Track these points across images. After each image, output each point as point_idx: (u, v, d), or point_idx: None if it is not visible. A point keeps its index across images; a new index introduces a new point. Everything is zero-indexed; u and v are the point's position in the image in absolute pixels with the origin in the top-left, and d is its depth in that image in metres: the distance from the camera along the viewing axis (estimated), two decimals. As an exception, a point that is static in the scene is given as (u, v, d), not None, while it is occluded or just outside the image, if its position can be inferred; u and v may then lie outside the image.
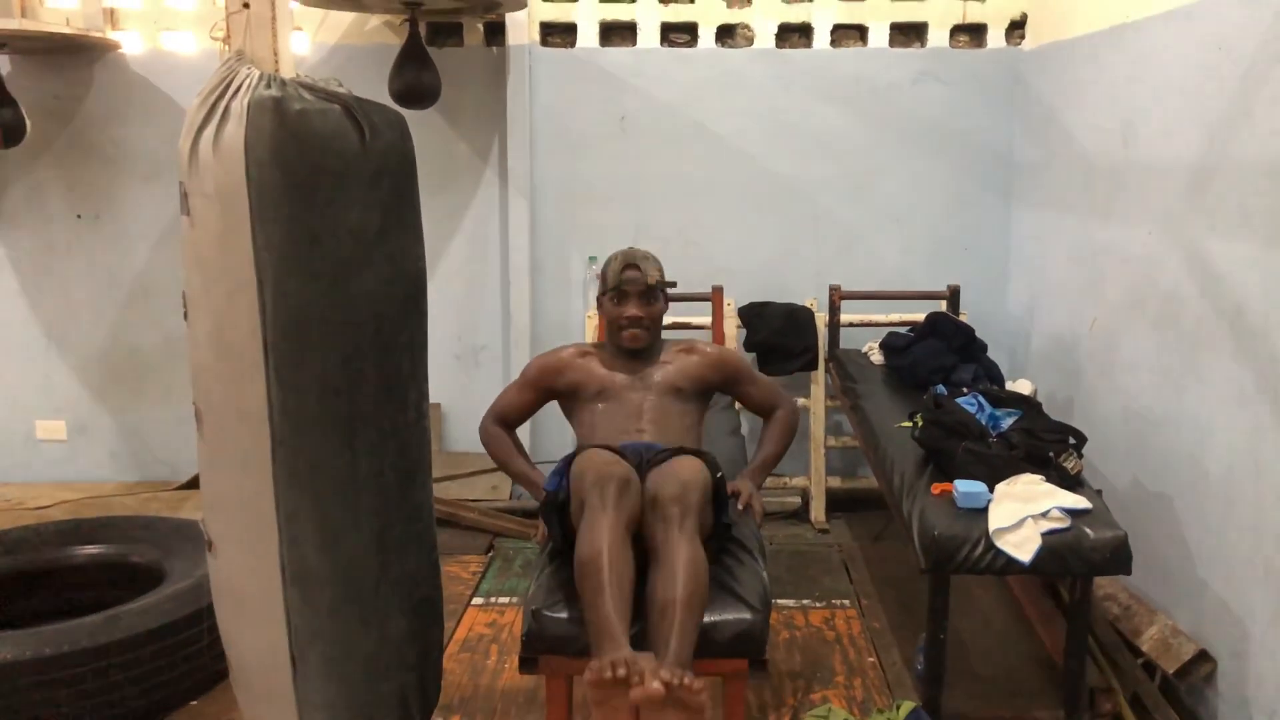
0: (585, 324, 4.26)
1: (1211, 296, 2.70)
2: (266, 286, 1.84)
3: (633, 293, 2.66)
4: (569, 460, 2.33)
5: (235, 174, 1.81)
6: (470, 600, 3.44)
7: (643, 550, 2.16)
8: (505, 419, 2.74)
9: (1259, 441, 2.46)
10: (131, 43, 4.23)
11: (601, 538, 2.06)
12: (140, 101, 4.28)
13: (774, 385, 2.85)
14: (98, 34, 4.09)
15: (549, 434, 4.16)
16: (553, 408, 2.83)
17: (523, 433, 2.88)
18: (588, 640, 2.01)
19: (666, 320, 2.91)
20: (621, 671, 1.82)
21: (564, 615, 2.13)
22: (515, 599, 3.44)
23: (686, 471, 2.24)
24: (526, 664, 2.16)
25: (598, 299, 2.78)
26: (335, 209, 1.89)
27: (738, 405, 3.61)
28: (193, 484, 4.24)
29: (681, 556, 2.07)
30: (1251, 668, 2.48)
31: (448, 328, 4.36)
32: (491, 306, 4.43)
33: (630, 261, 2.68)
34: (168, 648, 2.65)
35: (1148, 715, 2.68)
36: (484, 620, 3.30)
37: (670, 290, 2.81)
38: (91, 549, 3.17)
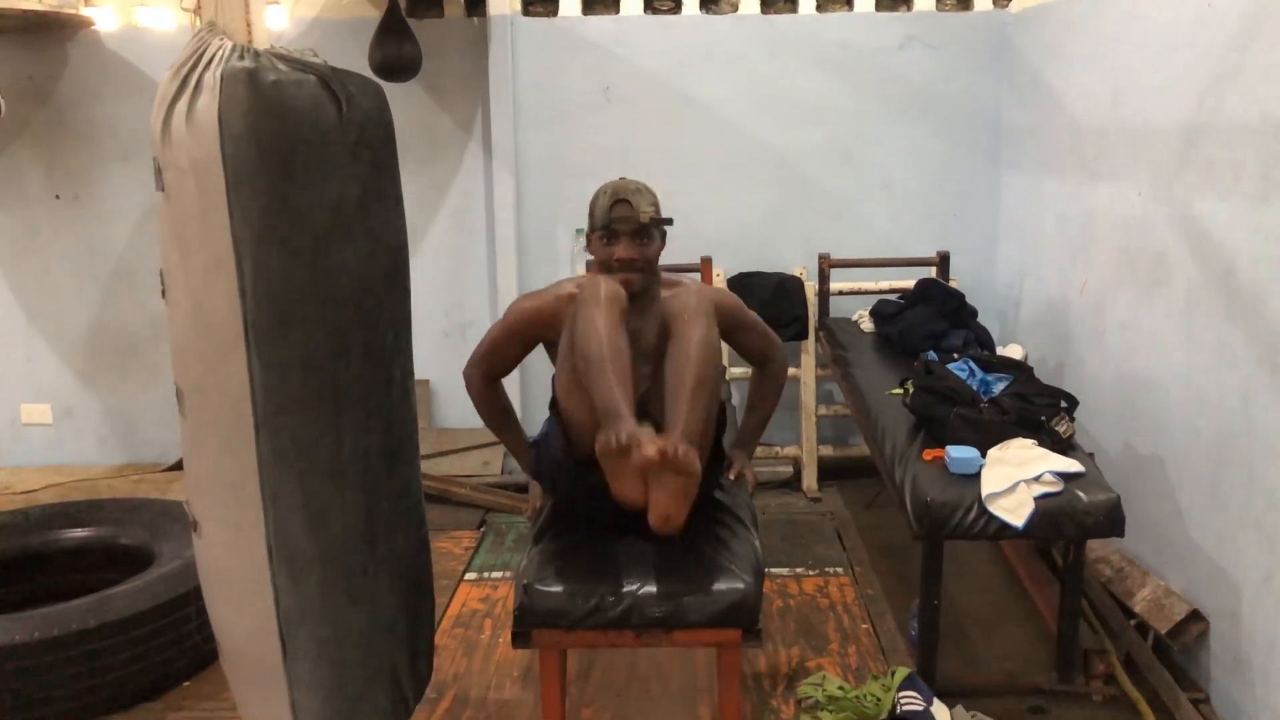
0: (573, 297, 4.23)
1: (1201, 257, 2.68)
2: (245, 262, 1.81)
3: (623, 232, 2.34)
4: (551, 422, 2.32)
5: (209, 148, 1.77)
6: (463, 576, 3.43)
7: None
8: (492, 371, 2.50)
9: (1250, 401, 2.46)
10: (105, 19, 4.16)
11: (599, 327, 2.11)
12: (116, 79, 4.22)
13: (767, 332, 2.63)
14: (71, 11, 4.01)
15: (538, 404, 4.13)
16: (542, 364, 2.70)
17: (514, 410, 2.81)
18: (600, 415, 2.05)
19: None
20: (625, 439, 1.93)
21: (557, 589, 2.12)
22: (508, 574, 3.43)
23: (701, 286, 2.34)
24: (520, 638, 2.15)
25: (586, 236, 2.50)
26: (313, 182, 1.85)
27: (727, 376, 3.61)
28: (180, 466, 4.19)
29: (695, 335, 2.15)
30: (1244, 627, 2.48)
31: (434, 303, 4.33)
32: (478, 281, 4.40)
33: (620, 196, 2.36)
34: (158, 629, 2.64)
35: (1141, 676, 2.69)
36: (477, 595, 3.30)
37: (661, 240, 2.48)
38: (80, 532, 3.16)
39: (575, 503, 2.33)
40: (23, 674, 2.47)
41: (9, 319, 4.42)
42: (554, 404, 2.33)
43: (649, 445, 1.92)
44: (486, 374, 2.49)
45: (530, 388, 4.14)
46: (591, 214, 2.41)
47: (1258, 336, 2.43)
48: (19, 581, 3.08)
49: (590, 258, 2.51)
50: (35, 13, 3.86)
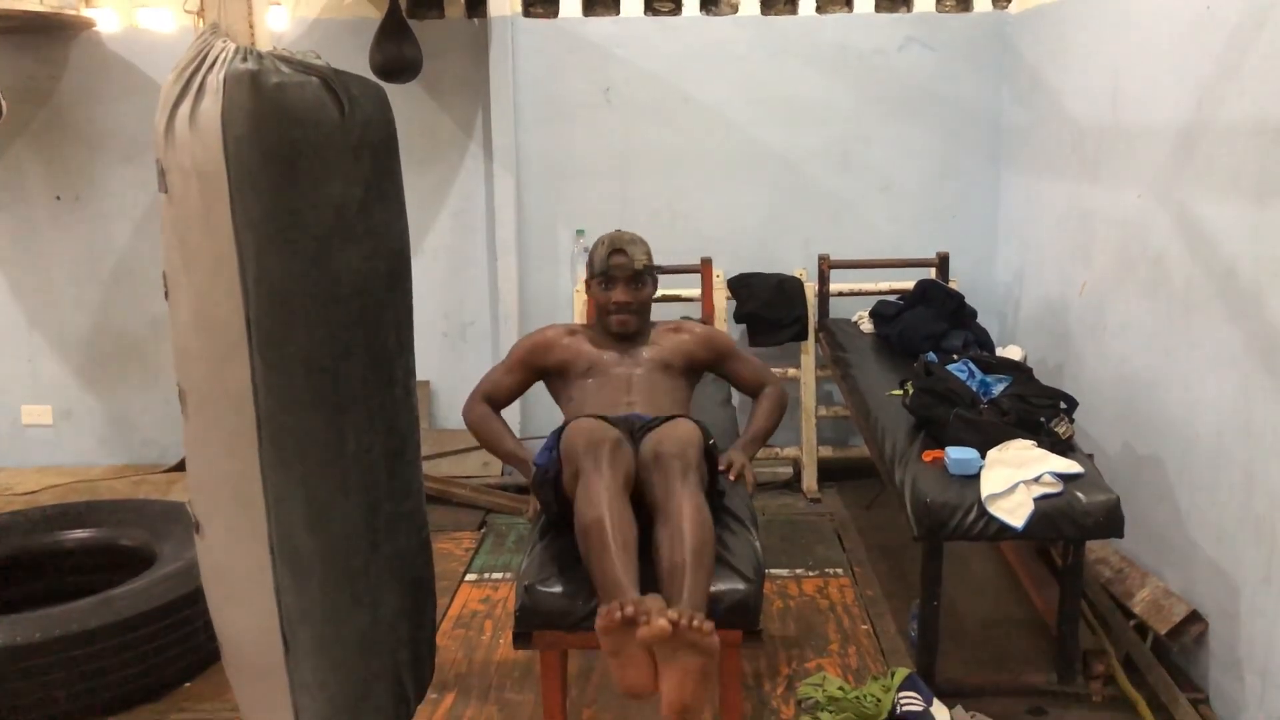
0: (574, 299, 4.24)
1: (1201, 258, 2.69)
2: (247, 263, 1.81)
3: (620, 278, 2.65)
4: (558, 433, 2.32)
5: (213, 149, 1.77)
6: (463, 577, 3.43)
7: (642, 512, 2.15)
8: (492, 400, 2.70)
9: (1249, 402, 2.46)
10: (107, 20, 4.16)
11: (601, 499, 2.05)
12: (117, 80, 4.22)
13: (762, 364, 2.87)
14: (72, 12, 4.02)
15: (539, 412, 4.14)
16: (541, 388, 2.80)
17: (513, 413, 2.86)
18: (596, 600, 2.00)
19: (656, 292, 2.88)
20: (630, 611, 1.77)
21: (557, 590, 2.13)
22: (508, 574, 3.44)
23: (683, 430, 2.26)
24: (520, 639, 2.15)
25: (586, 282, 2.79)
26: (315, 183, 1.85)
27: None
28: (181, 466, 4.21)
29: (687, 510, 2.06)
30: (1242, 627, 2.49)
31: (435, 304, 4.34)
32: (479, 282, 4.40)
33: (617, 246, 2.66)
34: (159, 630, 2.64)
35: (1140, 676, 2.69)
36: (478, 596, 3.30)
37: (658, 264, 2.79)
38: (81, 533, 3.16)
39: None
40: (24, 675, 2.47)
41: (9, 320, 4.43)
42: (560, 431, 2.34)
43: (658, 616, 1.75)
44: (486, 400, 2.69)
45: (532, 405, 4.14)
46: (591, 262, 2.71)
47: (1257, 337, 2.43)
48: (20, 583, 3.08)
49: (588, 287, 2.76)
50: (37, 14, 3.86)
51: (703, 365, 2.79)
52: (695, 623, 1.76)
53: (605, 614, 1.81)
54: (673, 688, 1.77)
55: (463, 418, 2.70)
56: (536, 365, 2.72)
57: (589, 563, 2.02)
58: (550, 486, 2.29)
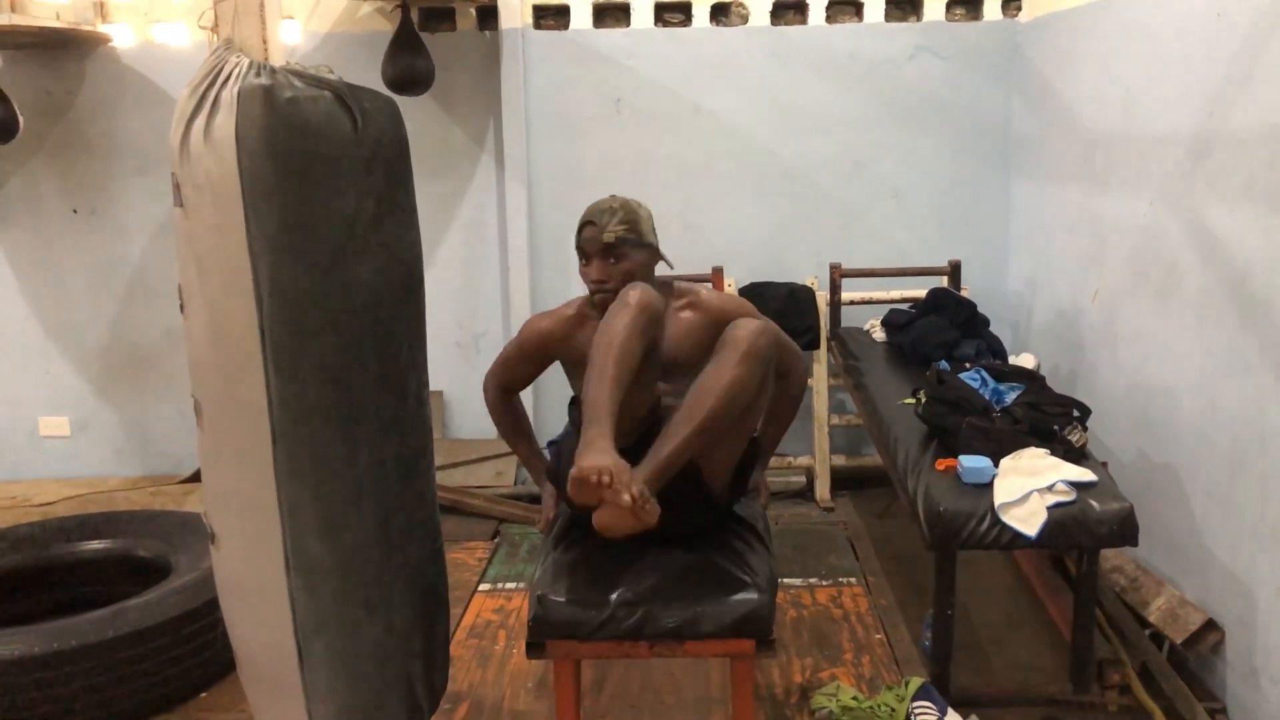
0: (585, 308, 4.25)
1: (1214, 265, 2.68)
2: (261, 276, 1.83)
3: (591, 252, 2.33)
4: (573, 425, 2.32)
5: (227, 164, 1.80)
6: (477, 586, 3.44)
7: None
8: (510, 389, 2.58)
9: (1264, 410, 2.45)
10: (122, 35, 4.20)
11: (614, 328, 2.09)
12: (133, 95, 4.26)
13: (792, 344, 2.51)
14: (88, 28, 4.06)
15: (551, 415, 4.15)
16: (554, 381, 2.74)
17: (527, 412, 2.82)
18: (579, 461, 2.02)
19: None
20: (605, 479, 1.92)
21: (571, 599, 2.13)
22: (522, 584, 3.44)
23: (755, 325, 2.20)
24: (534, 649, 2.15)
25: None
26: (329, 196, 1.87)
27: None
28: (196, 477, 4.22)
29: (731, 375, 2.07)
30: (1259, 636, 2.47)
31: (448, 315, 4.35)
32: (491, 292, 4.42)
33: (588, 218, 2.33)
34: (175, 641, 2.65)
35: (1156, 686, 2.67)
36: (491, 606, 3.30)
37: (670, 271, 2.53)
38: (97, 544, 3.17)
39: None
40: (40, 685, 2.48)
41: (27, 332, 4.46)
42: (574, 403, 2.34)
43: (623, 490, 1.93)
44: (501, 386, 2.57)
45: (543, 398, 4.16)
46: None
47: (1271, 344, 2.42)
48: (36, 593, 3.10)
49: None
50: (53, 29, 3.90)
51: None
52: (647, 506, 1.96)
53: (581, 473, 1.93)
54: (608, 522, 1.99)
55: (482, 394, 2.59)
56: (550, 354, 2.52)
57: (587, 381, 2.08)
58: (562, 487, 2.29)
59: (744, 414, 2.16)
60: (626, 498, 1.92)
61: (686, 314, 2.38)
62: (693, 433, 2.05)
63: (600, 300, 2.32)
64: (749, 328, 2.13)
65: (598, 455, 1.94)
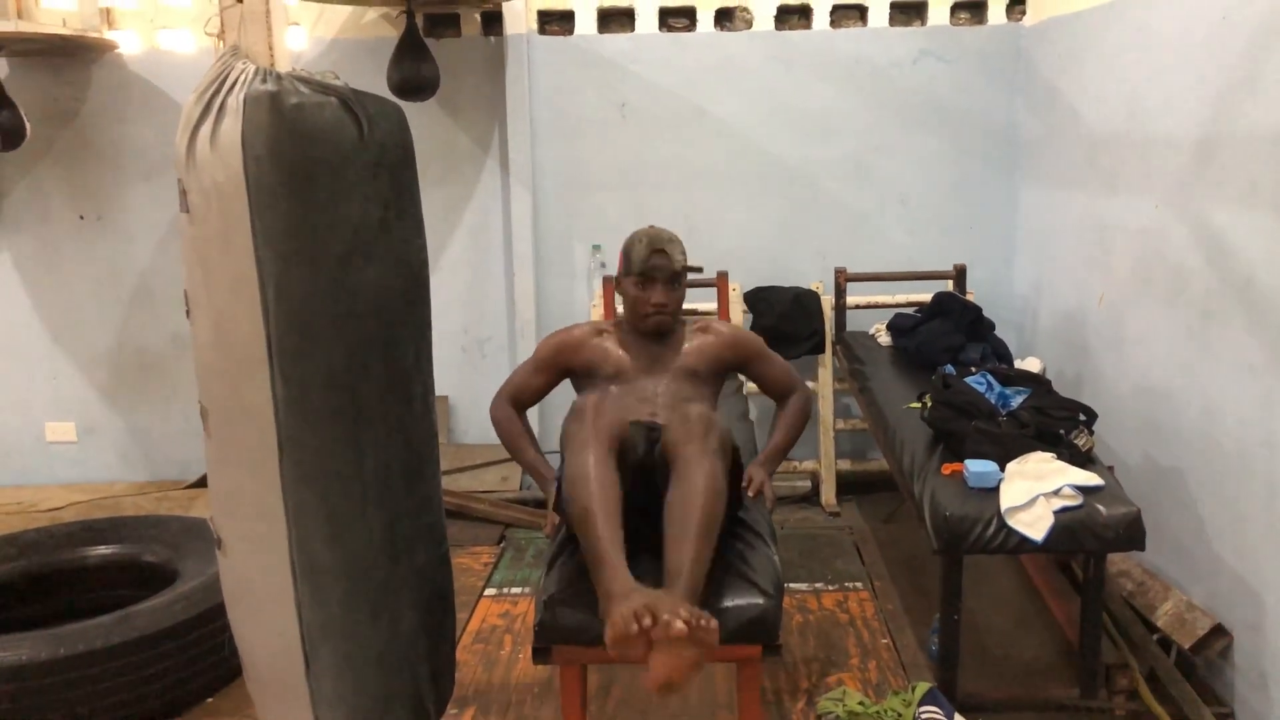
0: (590, 313, 4.25)
1: (1220, 268, 2.68)
2: (267, 282, 1.83)
3: (660, 279, 2.53)
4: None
5: (233, 169, 1.80)
6: (483, 591, 3.44)
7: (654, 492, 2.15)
8: (518, 400, 2.66)
9: (1271, 413, 2.44)
10: (129, 42, 4.22)
11: (589, 472, 2.04)
12: (139, 101, 4.27)
13: (790, 367, 2.76)
14: (95, 34, 4.07)
15: (555, 424, 4.14)
16: (562, 394, 2.78)
17: (532, 419, 2.84)
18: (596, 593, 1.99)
19: None
20: (647, 622, 1.76)
21: (577, 605, 2.12)
22: (528, 589, 3.44)
23: (707, 412, 2.27)
24: (540, 654, 2.15)
25: (617, 279, 2.65)
26: (335, 202, 1.88)
27: (746, 390, 3.61)
28: (202, 483, 4.25)
29: (703, 473, 2.05)
30: (1268, 640, 2.47)
31: (453, 320, 4.36)
32: (496, 297, 4.42)
33: (657, 245, 2.53)
34: (181, 646, 2.66)
35: (1164, 691, 2.67)
36: (497, 611, 3.30)
37: (690, 264, 2.68)
38: (104, 549, 3.18)
39: None
40: (46, 691, 2.49)
41: (33, 338, 4.47)
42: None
43: (673, 619, 1.75)
44: (510, 398, 2.64)
45: (547, 407, 4.15)
46: (628, 259, 2.57)
47: (1277, 347, 2.42)
48: (43, 598, 3.10)
49: (606, 275, 2.60)
50: (60, 36, 3.92)
51: (730, 367, 2.71)
52: (703, 622, 1.78)
53: (620, 626, 1.78)
54: (666, 670, 1.78)
55: (489, 414, 2.65)
56: (563, 365, 2.64)
57: (581, 536, 2.03)
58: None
59: (722, 512, 2.12)
60: (679, 625, 1.74)
61: (702, 336, 2.64)
62: (698, 536, 2.00)
63: (656, 323, 2.54)
64: (689, 429, 2.16)
65: (624, 600, 1.82)
